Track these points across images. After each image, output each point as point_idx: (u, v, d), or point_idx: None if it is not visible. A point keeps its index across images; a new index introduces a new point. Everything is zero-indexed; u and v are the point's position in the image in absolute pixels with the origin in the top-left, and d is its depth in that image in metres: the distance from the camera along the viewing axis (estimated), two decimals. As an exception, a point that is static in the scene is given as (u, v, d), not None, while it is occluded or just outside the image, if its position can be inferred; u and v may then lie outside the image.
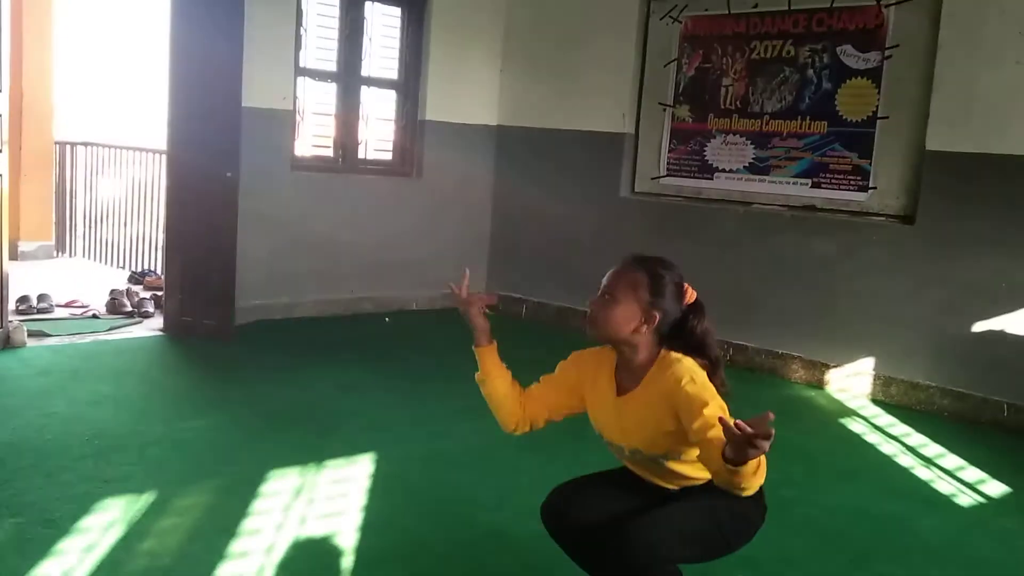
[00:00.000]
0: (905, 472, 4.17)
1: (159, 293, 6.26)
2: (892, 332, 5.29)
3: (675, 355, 2.29)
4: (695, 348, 2.34)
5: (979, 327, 4.97)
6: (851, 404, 5.25)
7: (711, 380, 2.28)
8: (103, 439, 3.79)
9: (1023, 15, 4.78)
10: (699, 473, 2.30)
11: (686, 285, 2.38)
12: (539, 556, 3.04)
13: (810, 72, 5.68)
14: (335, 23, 6.56)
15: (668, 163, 6.42)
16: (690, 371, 2.24)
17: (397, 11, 6.88)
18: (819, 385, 5.54)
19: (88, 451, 3.65)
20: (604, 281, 2.42)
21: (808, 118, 5.71)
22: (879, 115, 5.41)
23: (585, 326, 2.47)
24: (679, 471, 2.34)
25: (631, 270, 2.38)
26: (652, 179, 6.52)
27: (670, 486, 2.40)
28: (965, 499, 3.87)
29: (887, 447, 4.52)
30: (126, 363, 5.03)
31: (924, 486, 4.00)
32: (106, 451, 3.66)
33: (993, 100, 4.89)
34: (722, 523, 2.31)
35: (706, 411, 2.13)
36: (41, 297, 6.13)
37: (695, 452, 2.21)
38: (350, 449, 3.89)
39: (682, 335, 2.36)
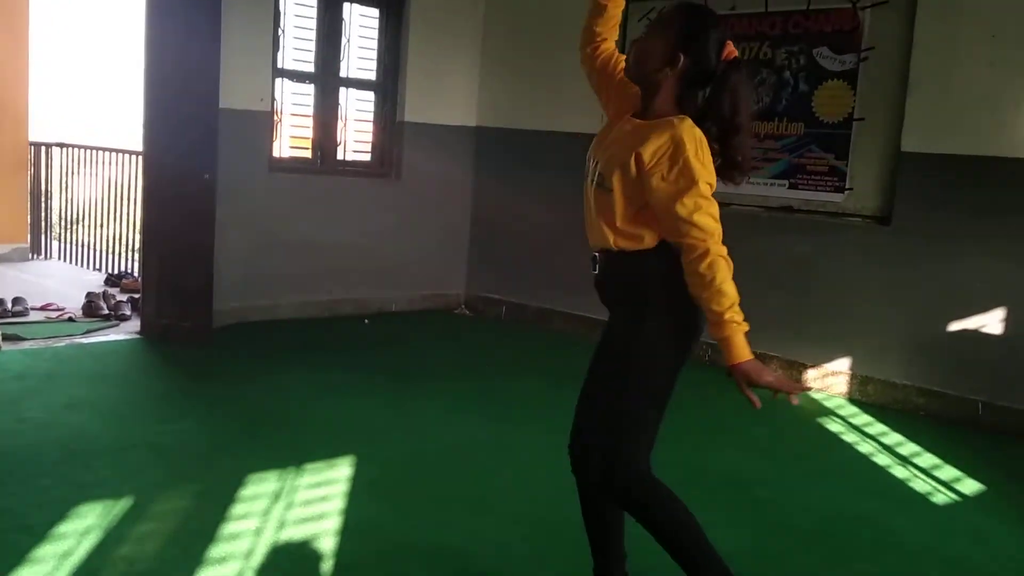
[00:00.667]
0: (881, 471, 4.21)
1: (136, 295, 6.22)
2: (869, 332, 5.33)
3: (692, 124, 2.21)
4: (724, 114, 2.27)
5: (954, 327, 5.03)
6: (828, 404, 5.29)
7: (727, 146, 2.30)
8: (79, 444, 3.76)
9: (996, 18, 4.83)
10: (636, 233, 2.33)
11: (728, 42, 2.31)
12: (522, 558, 3.06)
13: (787, 74, 5.72)
14: (313, 24, 6.54)
15: (647, 164, 6.43)
16: (698, 142, 2.19)
17: (375, 12, 6.87)
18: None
19: (64, 456, 3.62)
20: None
21: (785, 119, 5.75)
22: (855, 116, 5.46)
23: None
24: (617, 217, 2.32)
25: (673, 12, 2.34)
26: (631, 180, 6.53)
27: (611, 246, 2.37)
28: (941, 497, 3.92)
29: (864, 446, 4.56)
30: (103, 367, 5.00)
31: (900, 485, 4.04)
32: (82, 456, 3.63)
33: (967, 102, 4.94)
34: (651, 374, 2.44)
35: (687, 199, 2.18)
36: (16, 300, 6.07)
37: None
38: (330, 452, 3.88)
39: (714, 94, 2.29)
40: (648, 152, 2.20)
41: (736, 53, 2.31)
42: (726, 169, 2.33)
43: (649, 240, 2.31)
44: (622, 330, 2.41)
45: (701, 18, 2.32)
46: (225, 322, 5.96)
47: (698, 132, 2.20)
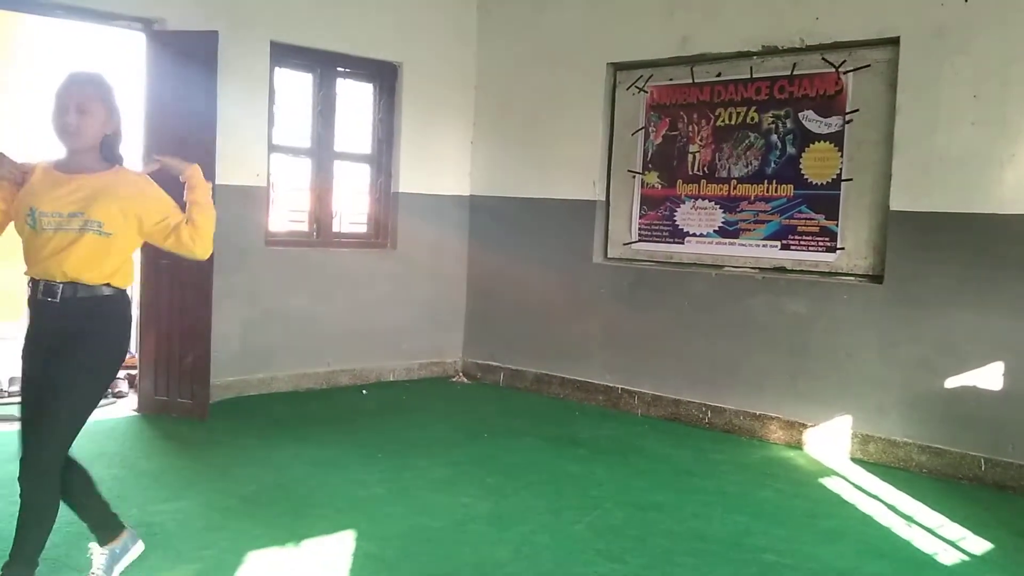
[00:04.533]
0: (887, 531, 4.17)
1: (134, 372, 6.20)
2: (867, 390, 5.33)
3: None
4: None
5: (952, 383, 5.03)
6: (830, 463, 5.26)
7: None
8: (75, 525, 3.70)
9: (976, 78, 4.94)
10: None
11: None
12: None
13: (774, 137, 5.82)
14: (308, 100, 6.66)
15: (639, 228, 6.51)
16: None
17: (369, 87, 7.00)
18: (798, 445, 5.55)
19: (60, 539, 3.57)
20: (68, 98, 2.84)
21: (775, 182, 5.83)
22: (843, 177, 5.54)
23: (60, 135, 2.88)
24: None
25: (93, 83, 2.92)
26: (624, 244, 6.60)
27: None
28: (948, 557, 3.87)
29: (868, 506, 4.52)
30: (100, 445, 4.96)
31: (907, 545, 4.00)
32: (78, 538, 3.57)
33: (952, 160, 5.02)
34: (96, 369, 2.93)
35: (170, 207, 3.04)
36: (12, 380, 6.04)
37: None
38: (328, 528, 3.84)
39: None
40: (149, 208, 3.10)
41: None
42: None
43: None
44: None
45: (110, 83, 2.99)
46: (222, 396, 5.95)
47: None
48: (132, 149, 6.38)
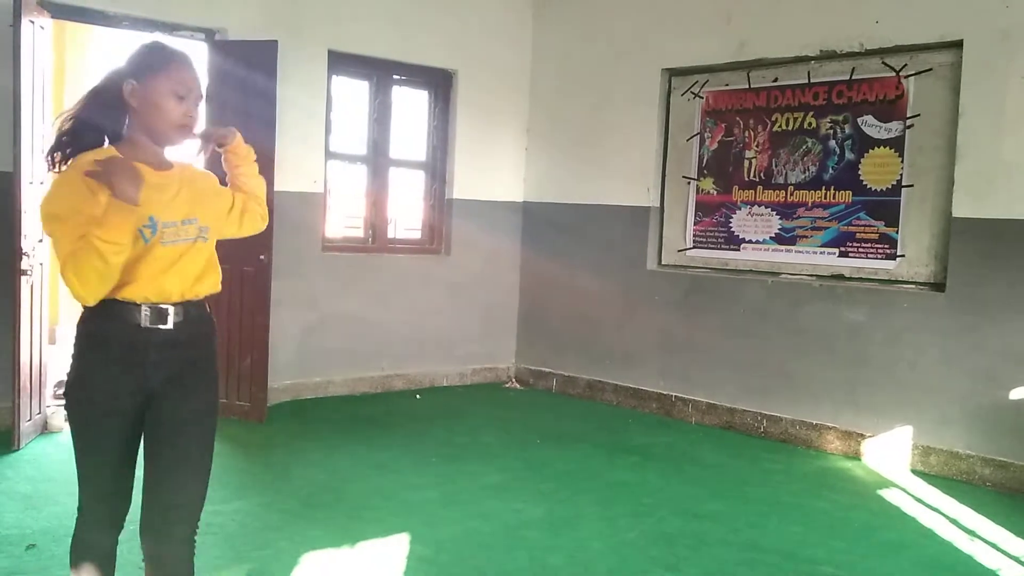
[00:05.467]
0: (948, 546, 4.08)
1: (193, 375, 6.32)
2: (928, 400, 5.22)
3: None
4: None
5: (1017, 394, 4.90)
6: (889, 475, 5.16)
7: None
8: (138, 524, 3.80)
9: (1043, 82, 4.82)
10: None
11: None
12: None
13: (832, 143, 5.74)
14: (364, 107, 6.75)
15: (694, 235, 6.46)
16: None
17: (424, 94, 7.07)
18: (856, 456, 5.46)
19: (124, 536, 3.66)
20: (190, 83, 2.31)
21: (833, 188, 5.74)
22: (904, 183, 5.44)
23: (178, 135, 2.33)
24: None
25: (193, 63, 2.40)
26: (679, 251, 6.56)
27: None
28: (1012, 573, 3.77)
29: (929, 519, 4.43)
30: (161, 446, 5.06)
31: (968, 560, 3.91)
32: (133, 535, 3.66)
33: (1017, 166, 4.90)
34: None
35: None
36: (59, 384, 6.21)
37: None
38: (383, 530, 3.88)
39: None
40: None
41: None
42: None
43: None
44: None
45: None
46: (280, 399, 6.04)
47: None
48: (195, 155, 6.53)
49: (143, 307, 2.26)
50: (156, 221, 2.23)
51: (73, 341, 2.38)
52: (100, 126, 2.28)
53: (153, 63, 2.26)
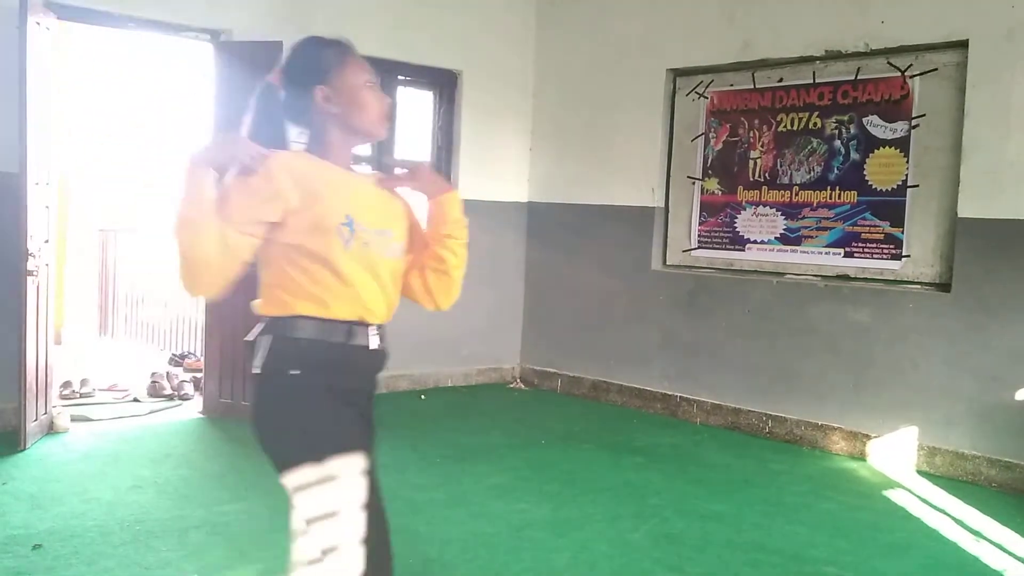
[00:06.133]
0: (954, 546, 4.07)
1: (199, 375, 6.35)
2: (934, 401, 5.21)
3: None
4: None
5: (1023, 394, 4.89)
6: (895, 475, 5.15)
7: None
8: (144, 524, 3.82)
9: (1049, 82, 4.81)
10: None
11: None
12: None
13: (837, 143, 5.73)
14: (368, 108, 6.75)
15: (699, 235, 6.46)
16: None
17: (429, 94, 7.07)
18: (861, 456, 5.45)
19: (129, 537, 3.68)
20: (367, 66, 2.17)
21: (838, 188, 5.74)
22: (909, 184, 5.43)
23: (383, 125, 2.19)
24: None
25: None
26: (683, 251, 6.55)
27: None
28: (1018, 575, 3.76)
29: (934, 520, 4.42)
30: (166, 447, 5.08)
31: (975, 561, 3.90)
32: (146, 536, 3.68)
33: (1023, 165, 4.89)
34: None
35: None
36: (83, 382, 6.24)
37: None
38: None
39: None
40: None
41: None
42: None
43: None
44: None
45: None
46: (284, 400, 6.04)
47: None
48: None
49: (348, 325, 2.05)
50: (354, 223, 2.02)
51: (286, 367, 2.05)
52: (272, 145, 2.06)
53: (332, 60, 2.13)
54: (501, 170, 7.29)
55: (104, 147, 8.70)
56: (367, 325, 2.05)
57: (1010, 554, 3.97)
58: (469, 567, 3.57)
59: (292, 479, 2.02)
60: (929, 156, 5.35)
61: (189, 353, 7.69)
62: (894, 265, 5.50)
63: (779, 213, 6.02)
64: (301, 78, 2.12)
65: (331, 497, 1.97)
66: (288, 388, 1.97)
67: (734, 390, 6.07)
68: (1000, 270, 4.98)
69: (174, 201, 1.96)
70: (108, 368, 7.02)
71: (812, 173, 5.85)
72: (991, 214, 5.00)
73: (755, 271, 6.15)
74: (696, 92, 6.44)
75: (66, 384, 6.11)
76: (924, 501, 4.70)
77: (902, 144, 5.46)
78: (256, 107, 2.16)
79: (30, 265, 4.77)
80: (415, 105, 7.06)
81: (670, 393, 6.43)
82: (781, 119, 5.99)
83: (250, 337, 2.05)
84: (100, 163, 8.64)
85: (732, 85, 6.24)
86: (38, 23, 4.82)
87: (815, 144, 5.84)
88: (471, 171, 7.11)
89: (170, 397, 6.21)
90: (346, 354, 2.02)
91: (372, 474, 2.08)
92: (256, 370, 1.98)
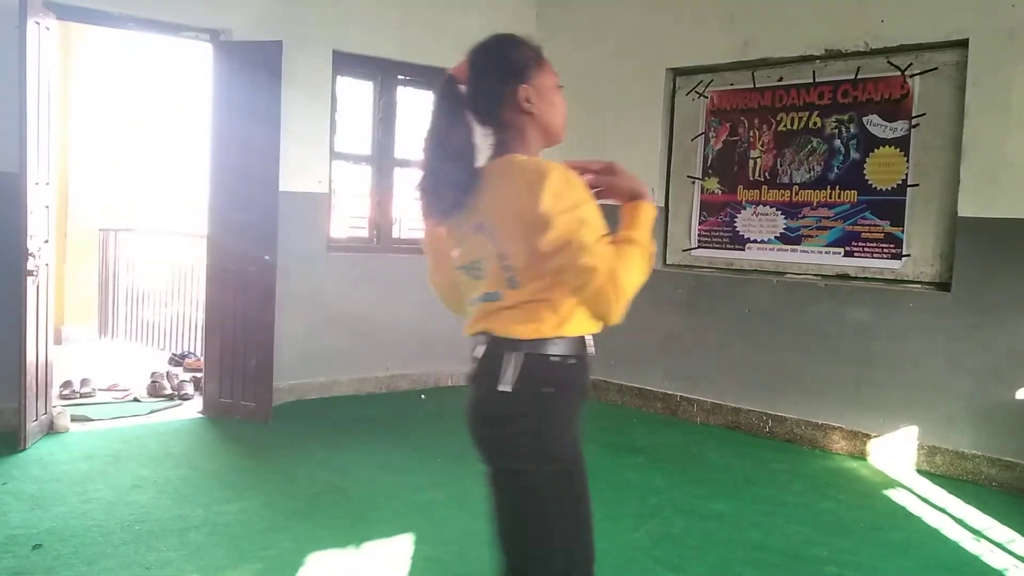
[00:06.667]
0: (954, 546, 4.07)
1: (199, 375, 6.35)
2: (934, 400, 5.21)
3: None
4: None
5: (1023, 394, 4.89)
6: (895, 475, 5.15)
7: None
8: (144, 524, 3.82)
9: (1049, 81, 4.81)
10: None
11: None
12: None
13: (837, 142, 5.73)
14: (368, 108, 6.75)
15: (699, 235, 6.46)
16: None
17: (429, 94, 7.06)
18: (861, 456, 5.45)
19: (129, 537, 3.68)
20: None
21: (838, 187, 5.73)
22: (909, 183, 5.42)
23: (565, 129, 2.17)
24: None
25: None
26: (683, 251, 6.55)
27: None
28: (1018, 574, 3.76)
29: (934, 519, 4.42)
30: (166, 447, 5.08)
31: (975, 560, 3.90)
32: (147, 536, 3.68)
33: (1022, 164, 4.89)
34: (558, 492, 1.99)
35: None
36: (84, 381, 6.24)
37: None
38: (388, 530, 3.88)
39: None
40: None
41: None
42: None
43: None
44: None
45: None
46: (284, 400, 6.05)
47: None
48: (201, 156, 6.55)
49: (586, 339, 1.99)
50: None
51: (540, 386, 1.95)
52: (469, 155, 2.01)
53: (530, 58, 2.05)
54: (501, 170, 7.27)
55: (104, 147, 8.68)
56: (592, 334, 2.02)
57: (1010, 553, 3.97)
58: (470, 566, 3.57)
59: (539, 498, 1.98)
60: (929, 155, 5.35)
61: (189, 353, 7.69)
62: (894, 264, 5.50)
63: (779, 212, 6.02)
64: (499, 75, 2.02)
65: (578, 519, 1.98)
66: (550, 405, 1.96)
67: (734, 390, 6.07)
68: (1000, 269, 4.98)
69: (643, 244, 1.99)
70: (108, 368, 7.01)
71: (812, 172, 5.85)
72: (991, 213, 5.00)
73: (755, 271, 6.15)
74: (696, 91, 6.44)
75: (66, 384, 6.11)
76: (924, 500, 4.70)
77: (902, 143, 5.46)
78: (440, 104, 2.05)
79: (30, 265, 4.77)
80: (416, 105, 7.04)
81: (670, 393, 6.43)
82: (781, 118, 5.99)
83: (479, 354, 2.06)
84: (100, 163, 8.61)
85: (732, 84, 6.24)
86: (37, 23, 4.82)
87: (815, 143, 5.84)
88: (471, 171, 7.09)
89: (170, 397, 6.20)
90: (585, 365, 2.00)
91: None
92: (506, 388, 1.95)
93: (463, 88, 2.03)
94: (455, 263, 2.11)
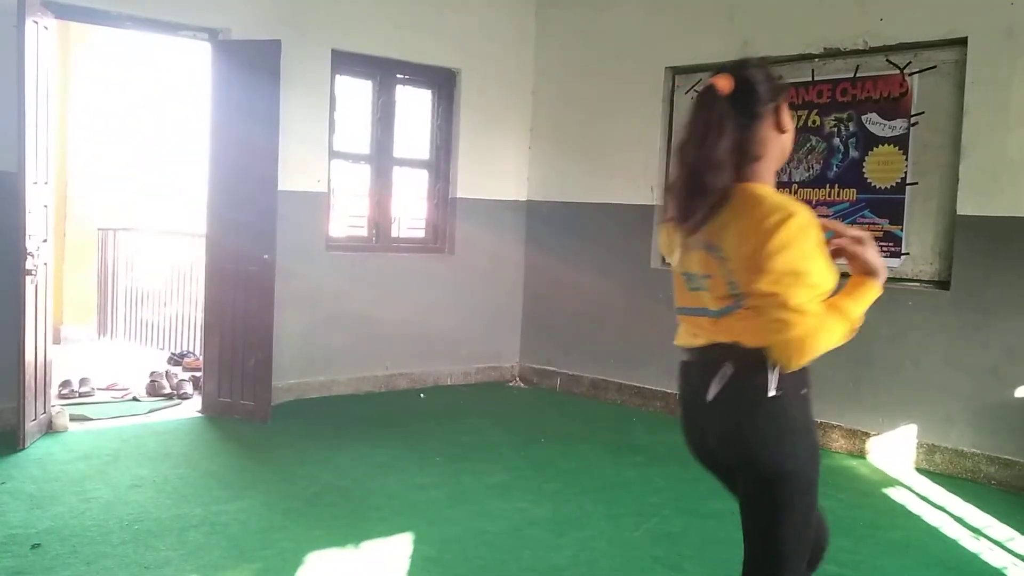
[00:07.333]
0: (953, 544, 4.07)
1: (198, 374, 6.35)
2: (933, 399, 5.20)
3: None
4: None
5: (1022, 392, 4.89)
6: (894, 473, 5.15)
7: None
8: (143, 523, 3.82)
9: (1048, 79, 4.81)
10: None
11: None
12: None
13: (836, 141, 5.73)
14: (367, 107, 6.75)
15: (698, 233, 6.44)
16: None
17: (428, 93, 7.07)
18: (860, 454, 5.44)
19: (128, 536, 3.68)
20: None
21: (837, 186, 5.73)
22: (908, 181, 5.42)
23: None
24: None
25: None
26: (683, 250, 6.53)
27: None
28: (1017, 572, 3.76)
29: (934, 518, 4.42)
30: (165, 446, 5.08)
31: (974, 559, 3.90)
32: (146, 536, 3.68)
33: (1022, 163, 4.89)
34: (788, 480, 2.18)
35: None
36: (83, 381, 6.24)
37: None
38: (387, 530, 3.88)
39: None
40: None
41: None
42: None
43: None
44: None
45: None
46: (283, 399, 6.05)
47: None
48: (200, 155, 6.54)
49: None
50: None
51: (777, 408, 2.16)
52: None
53: (777, 84, 2.09)
54: (500, 169, 7.29)
55: (103, 146, 8.67)
56: None
57: (1010, 551, 3.97)
58: (469, 567, 3.57)
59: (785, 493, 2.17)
60: (928, 154, 5.34)
61: (188, 352, 7.69)
62: (893, 263, 5.50)
63: (778, 211, 6.00)
64: (767, 93, 2.07)
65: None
66: (802, 407, 2.23)
67: (733, 388, 6.05)
68: (999, 268, 4.98)
69: (852, 319, 2.18)
70: (107, 367, 7.01)
71: (811, 171, 5.85)
72: (990, 211, 5.00)
73: (754, 269, 6.13)
74: (695, 90, 6.44)
75: (65, 383, 6.11)
76: (923, 499, 4.70)
77: (901, 142, 5.45)
78: (703, 114, 2.06)
79: (29, 264, 4.76)
80: (414, 104, 7.05)
81: (670, 391, 6.42)
82: (780, 117, 5.98)
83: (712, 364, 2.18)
84: (99, 162, 8.60)
85: (731, 83, 6.22)
86: (36, 22, 4.81)
87: (814, 142, 5.83)
88: (470, 170, 7.11)
89: (169, 396, 6.20)
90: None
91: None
92: (774, 392, 2.12)
93: (726, 100, 2.04)
94: (674, 262, 2.27)
